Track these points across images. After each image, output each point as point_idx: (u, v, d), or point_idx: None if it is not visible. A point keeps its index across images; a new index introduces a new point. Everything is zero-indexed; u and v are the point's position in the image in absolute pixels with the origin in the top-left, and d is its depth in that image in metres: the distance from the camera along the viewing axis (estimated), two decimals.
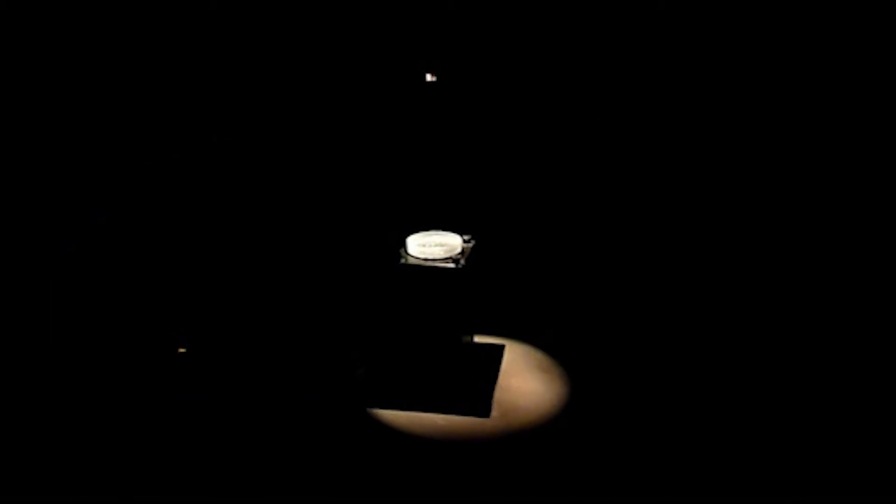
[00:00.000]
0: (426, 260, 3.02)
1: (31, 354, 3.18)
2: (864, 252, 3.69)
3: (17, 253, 3.51)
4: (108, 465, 2.71)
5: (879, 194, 3.72)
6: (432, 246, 3.08)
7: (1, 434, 2.82)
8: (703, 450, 2.79)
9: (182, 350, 3.32)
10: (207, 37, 3.87)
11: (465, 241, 3.12)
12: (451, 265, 3.00)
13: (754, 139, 3.80)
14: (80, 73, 3.73)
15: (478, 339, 3.35)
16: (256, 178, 3.96)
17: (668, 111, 3.87)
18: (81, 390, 3.04)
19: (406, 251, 3.06)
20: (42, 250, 3.51)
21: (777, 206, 3.87)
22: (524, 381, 3.23)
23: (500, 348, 3.37)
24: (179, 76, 3.90)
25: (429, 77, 3.96)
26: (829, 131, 3.76)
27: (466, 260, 3.03)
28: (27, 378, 3.08)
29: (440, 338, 3.03)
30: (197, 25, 3.85)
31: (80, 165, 3.74)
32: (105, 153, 3.78)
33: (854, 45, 3.38)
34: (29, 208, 3.60)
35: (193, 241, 3.86)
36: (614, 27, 3.82)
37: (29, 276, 3.46)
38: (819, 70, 3.52)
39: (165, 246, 3.81)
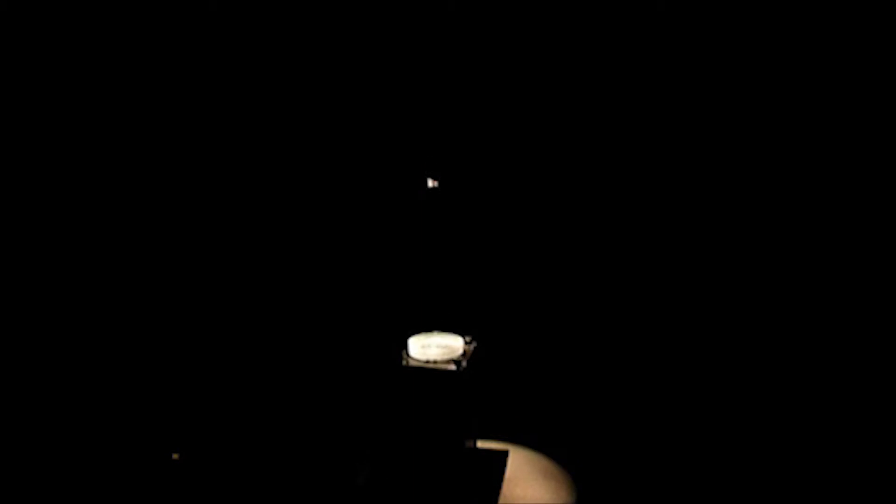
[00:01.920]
0: (427, 362, 2.98)
1: None
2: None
3: None
4: None
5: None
6: (433, 347, 3.04)
7: None
8: None
9: (176, 456, 3.23)
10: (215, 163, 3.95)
11: (467, 343, 3.08)
12: (453, 367, 2.95)
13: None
14: None
15: (480, 444, 3.26)
16: (251, 278, 3.96)
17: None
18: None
19: (407, 353, 3.02)
20: None
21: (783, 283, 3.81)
22: (529, 489, 3.12)
23: (504, 454, 3.28)
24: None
25: (430, 183, 4.01)
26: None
27: (468, 362, 2.98)
28: None
29: (442, 443, 2.95)
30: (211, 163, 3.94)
31: None
32: None
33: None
34: None
35: (188, 347, 3.82)
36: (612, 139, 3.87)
37: None
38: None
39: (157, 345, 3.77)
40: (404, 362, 2.98)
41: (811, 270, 3.73)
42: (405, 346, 3.03)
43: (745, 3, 3.37)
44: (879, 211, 3.70)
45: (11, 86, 3.28)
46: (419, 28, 3.89)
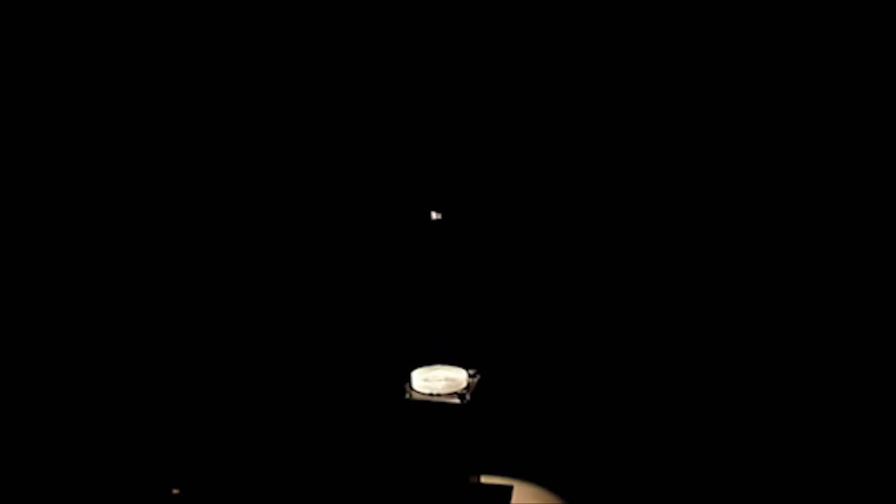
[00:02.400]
0: (431, 395, 2.95)
1: None
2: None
3: None
4: None
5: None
6: (437, 381, 3.02)
7: None
8: None
9: (176, 492, 3.20)
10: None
11: (470, 376, 3.06)
12: (457, 401, 2.92)
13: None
14: None
15: (484, 479, 3.23)
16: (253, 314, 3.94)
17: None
18: None
19: (410, 386, 3.00)
20: None
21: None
22: None
23: (508, 489, 3.24)
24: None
25: (434, 215, 4.02)
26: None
27: (472, 395, 2.96)
28: None
29: (445, 477, 2.92)
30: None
31: None
32: None
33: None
34: None
35: (193, 378, 3.80)
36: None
37: None
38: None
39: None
40: (407, 395, 2.96)
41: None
42: (409, 379, 3.01)
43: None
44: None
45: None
46: (423, 63, 3.92)
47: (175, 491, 3.20)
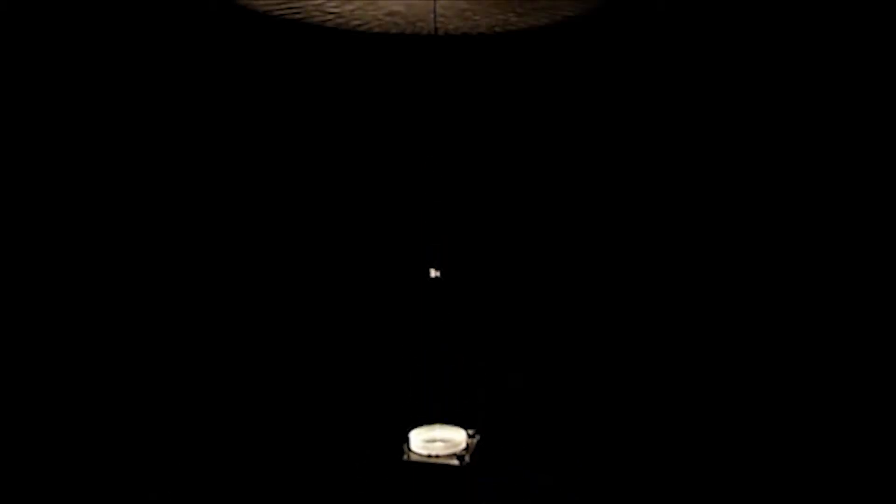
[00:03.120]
0: (429, 456, 2.91)
1: None
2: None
3: None
4: None
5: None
6: (435, 441, 2.98)
7: None
8: None
9: None
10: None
11: (469, 437, 3.02)
12: (456, 462, 2.88)
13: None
14: None
15: None
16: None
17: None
18: None
19: (408, 447, 2.96)
20: None
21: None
22: None
23: None
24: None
25: (433, 273, 4.02)
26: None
27: (471, 456, 2.92)
28: None
29: None
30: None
31: None
32: None
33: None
34: None
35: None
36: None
37: None
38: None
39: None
40: (405, 457, 2.92)
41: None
42: (406, 440, 2.97)
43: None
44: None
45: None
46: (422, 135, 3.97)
47: None
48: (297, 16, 3.03)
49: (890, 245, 3.57)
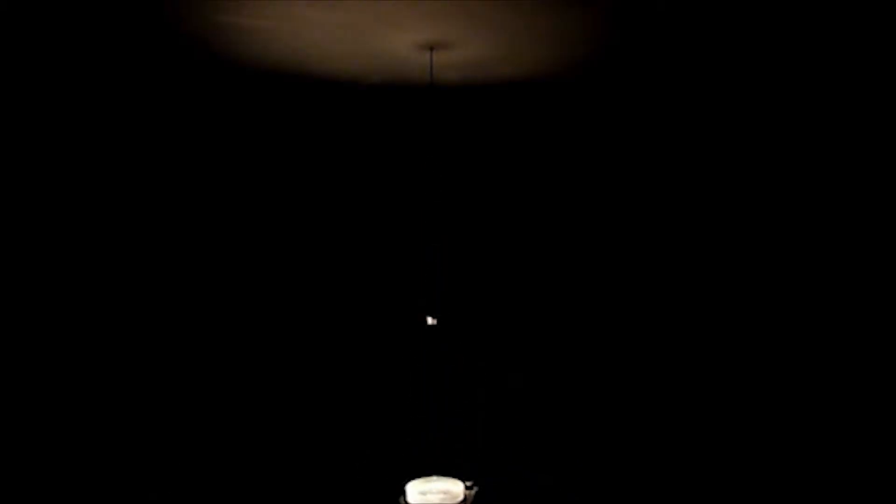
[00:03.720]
0: None
1: None
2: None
3: None
4: None
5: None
6: (433, 493, 2.94)
7: None
8: None
9: None
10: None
11: (467, 488, 2.98)
12: None
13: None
14: None
15: None
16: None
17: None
18: None
19: (405, 499, 2.91)
20: None
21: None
22: None
23: None
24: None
25: (430, 321, 4.01)
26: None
27: None
28: None
29: None
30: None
31: None
32: None
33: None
34: None
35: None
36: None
37: None
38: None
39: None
40: None
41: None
42: (403, 493, 2.93)
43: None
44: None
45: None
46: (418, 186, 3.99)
47: None
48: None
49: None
